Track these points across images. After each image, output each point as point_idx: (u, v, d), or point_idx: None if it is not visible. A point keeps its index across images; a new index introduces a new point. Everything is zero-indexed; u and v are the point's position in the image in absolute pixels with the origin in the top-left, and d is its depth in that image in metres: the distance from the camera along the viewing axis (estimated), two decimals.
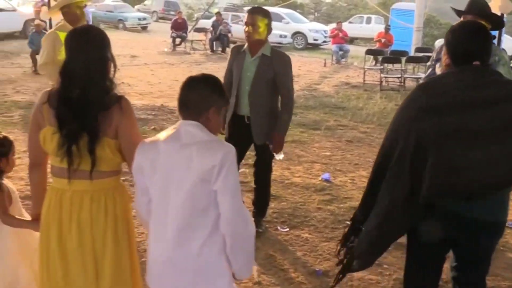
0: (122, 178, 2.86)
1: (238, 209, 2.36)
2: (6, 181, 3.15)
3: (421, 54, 16.07)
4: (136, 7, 38.15)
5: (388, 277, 4.32)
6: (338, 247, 3.11)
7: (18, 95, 11.70)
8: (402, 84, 14.14)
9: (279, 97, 4.69)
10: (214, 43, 21.69)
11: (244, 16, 5.11)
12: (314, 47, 26.44)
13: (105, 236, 2.63)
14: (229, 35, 21.63)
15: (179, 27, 22.30)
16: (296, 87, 13.49)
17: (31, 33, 15.94)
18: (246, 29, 4.48)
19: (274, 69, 4.51)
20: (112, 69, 2.66)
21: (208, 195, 2.33)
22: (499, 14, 5.48)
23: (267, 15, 4.56)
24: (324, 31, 27.40)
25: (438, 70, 4.39)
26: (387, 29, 19.95)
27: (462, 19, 4.17)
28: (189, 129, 2.40)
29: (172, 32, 22.05)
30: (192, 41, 22.03)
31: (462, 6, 4.50)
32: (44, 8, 12.29)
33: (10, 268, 3.10)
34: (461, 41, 2.79)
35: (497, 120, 2.58)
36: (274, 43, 23.28)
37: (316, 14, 52.05)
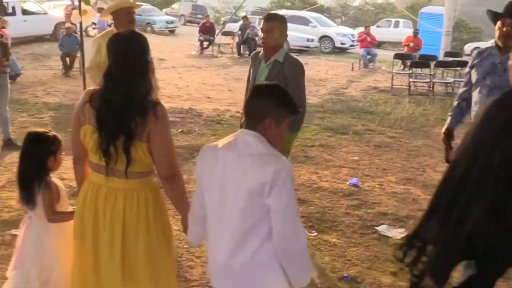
0: None
1: (290, 226, 2.31)
2: (54, 179, 3.25)
3: (450, 59, 15.86)
4: (164, 10, 38.45)
5: None
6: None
7: (49, 97, 11.87)
8: (431, 89, 13.98)
9: None
10: (242, 46, 21.74)
11: None
12: (341, 51, 26.32)
13: (137, 234, 2.72)
14: (256, 38, 21.66)
15: (207, 31, 22.42)
16: (323, 91, 13.73)
17: (62, 36, 16.19)
18: (263, 36, 4.48)
19: (284, 75, 4.43)
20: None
21: (261, 208, 2.31)
22: None
23: (282, 21, 4.54)
24: (352, 35, 27.26)
25: (474, 77, 4.33)
26: (415, 33, 19.76)
27: (499, 23, 4.06)
28: (247, 139, 2.38)
29: (200, 36, 22.20)
30: (219, 44, 22.13)
31: (494, 9, 4.40)
32: (75, 12, 12.46)
33: (48, 265, 3.17)
34: None
35: None
36: (301, 47, 23.58)
37: (343, 18, 51.92)
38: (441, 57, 16.68)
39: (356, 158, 7.76)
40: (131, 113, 2.59)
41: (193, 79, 14.86)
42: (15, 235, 4.72)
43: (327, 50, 26.09)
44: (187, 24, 37.34)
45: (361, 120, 10.41)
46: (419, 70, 15.45)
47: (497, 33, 4.08)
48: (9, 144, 7.62)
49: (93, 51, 5.17)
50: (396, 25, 32.38)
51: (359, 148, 8.33)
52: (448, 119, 4.85)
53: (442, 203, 2.68)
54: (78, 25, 13.08)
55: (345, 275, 4.30)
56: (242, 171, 2.32)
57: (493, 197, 2.50)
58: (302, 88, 4.48)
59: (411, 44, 18.86)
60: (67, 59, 15.30)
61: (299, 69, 4.52)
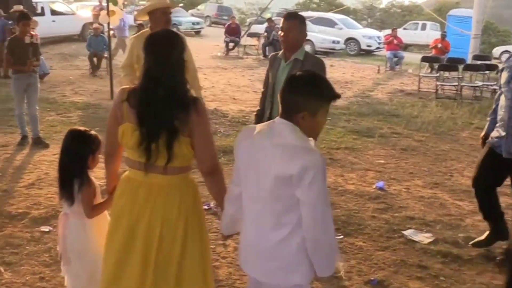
0: None
1: (319, 218, 2.35)
2: (91, 177, 3.27)
3: (478, 62, 15.66)
4: (190, 11, 38.66)
5: None
6: None
7: (76, 96, 12.00)
8: (459, 92, 13.80)
9: None
10: (267, 48, 21.71)
11: None
12: (367, 53, 26.16)
13: (176, 232, 2.73)
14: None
15: (233, 32, 22.48)
16: (349, 93, 13.66)
17: (89, 36, 16.36)
18: (282, 34, 4.46)
19: None
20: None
21: (290, 197, 2.36)
22: None
23: (302, 21, 4.52)
24: (378, 37, 27.09)
25: (501, 81, 4.28)
26: (443, 35, 19.56)
27: None
28: (282, 128, 2.42)
29: (226, 37, 22.26)
30: (245, 46, 22.17)
31: None
32: (103, 12, 12.61)
33: (92, 261, 3.21)
34: None
35: None
36: (326, 49, 23.49)
37: (369, 20, 51.60)
38: (469, 60, 16.47)
39: (382, 161, 7.70)
40: (173, 109, 2.61)
41: (219, 80, 14.90)
42: (44, 232, 4.81)
43: (353, 52, 25.96)
44: (213, 25, 37.49)
45: (387, 123, 10.33)
46: (446, 73, 15.30)
47: None
48: (37, 142, 7.73)
49: (128, 50, 5.27)
50: (423, 27, 32.06)
51: (385, 151, 8.26)
52: (486, 124, 4.80)
53: None
54: (105, 25, 13.25)
55: (372, 278, 4.26)
56: (273, 159, 2.37)
57: None
58: None
59: (439, 45, 18.63)
60: (95, 59, 15.47)
61: (320, 66, 4.49)
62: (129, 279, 2.72)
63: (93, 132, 3.27)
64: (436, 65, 16.14)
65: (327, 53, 22.91)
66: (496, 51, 26.98)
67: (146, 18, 5.14)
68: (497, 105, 4.50)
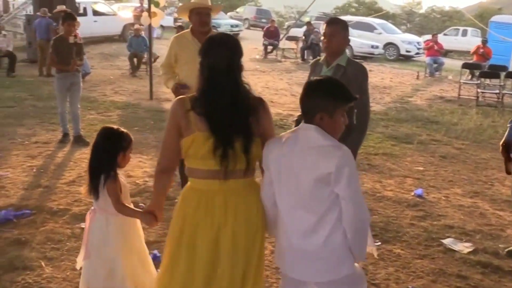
0: None
1: (359, 209, 2.51)
2: (120, 176, 3.32)
3: None
4: (229, 14, 38.85)
5: None
6: None
7: (116, 96, 12.19)
8: (500, 100, 13.55)
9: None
10: (305, 51, 21.69)
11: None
12: (406, 58, 25.85)
13: (256, 234, 2.75)
14: (320, 44, 21.55)
15: (271, 35, 22.50)
16: (387, 99, 13.53)
17: (130, 37, 16.59)
18: (325, 40, 4.42)
19: (348, 79, 4.33)
20: None
21: (330, 195, 2.49)
22: None
23: (345, 26, 4.47)
24: (417, 42, 26.75)
25: None
26: (484, 42, 19.21)
27: None
28: (306, 133, 2.55)
29: (264, 40, 22.30)
30: (283, 49, 22.17)
31: None
32: (145, 14, 12.78)
33: (111, 259, 3.27)
34: None
35: None
36: (365, 53, 23.34)
37: (408, 25, 51.08)
38: (511, 68, 16.15)
39: (421, 168, 7.60)
40: (245, 113, 2.62)
41: (257, 82, 14.93)
42: (84, 229, 4.89)
43: (392, 58, 25.71)
44: (251, 28, 37.58)
45: (426, 130, 10.20)
46: (487, 81, 15.03)
47: None
48: (78, 140, 7.87)
49: (168, 51, 5.31)
50: (464, 33, 31.52)
51: (424, 159, 8.15)
52: (506, 132, 4.74)
53: None
54: (147, 27, 13.41)
55: (410, 287, 4.20)
56: (308, 163, 2.49)
57: None
58: (366, 92, 4.45)
59: (481, 51, 18.29)
60: (135, 59, 15.68)
61: (363, 73, 4.44)
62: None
63: (124, 130, 3.33)
64: (477, 72, 15.89)
65: (365, 58, 22.74)
66: None
67: (186, 16, 5.16)
68: None
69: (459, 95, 14.40)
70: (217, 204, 2.68)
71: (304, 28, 23.18)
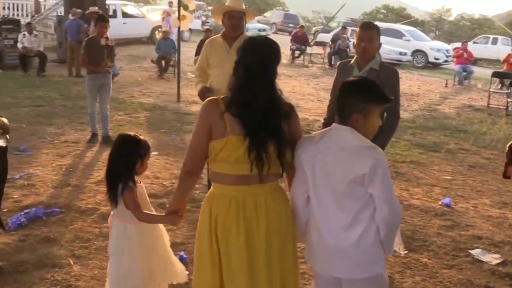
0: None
1: (393, 207, 2.54)
2: (137, 183, 3.24)
3: None
4: (256, 18, 38.90)
5: None
6: None
7: (144, 97, 12.30)
8: None
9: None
10: (333, 57, 21.60)
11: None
12: (434, 66, 25.57)
13: (286, 235, 2.75)
14: (348, 50, 21.49)
15: (299, 40, 22.46)
16: (415, 106, 13.43)
17: (159, 39, 16.71)
18: (363, 45, 4.39)
19: (381, 83, 4.34)
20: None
21: (364, 195, 2.53)
22: None
23: (378, 31, 4.50)
24: (446, 50, 26.44)
25: None
26: None
27: None
28: (341, 133, 2.58)
29: (292, 45, 22.28)
30: (310, 54, 22.13)
31: None
32: (174, 17, 12.88)
33: (125, 266, 3.23)
34: None
35: None
36: (393, 60, 23.18)
37: (437, 32, 50.64)
38: None
39: (449, 177, 7.52)
40: (277, 117, 2.62)
41: (283, 87, 14.59)
42: None
43: (420, 65, 25.45)
44: (278, 32, 37.59)
45: (454, 139, 10.09)
46: None
47: None
48: (107, 140, 7.96)
49: (201, 54, 5.32)
50: (494, 42, 31.14)
51: (452, 168, 8.06)
52: None
53: None
54: (176, 29, 13.51)
55: None
56: (343, 163, 2.53)
57: None
58: (398, 96, 4.49)
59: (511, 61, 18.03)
60: (163, 62, 15.80)
61: (396, 77, 4.48)
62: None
63: (142, 137, 3.25)
64: (507, 81, 15.65)
65: (393, 65, 22.49)
66: None
67: (220, 20, 5.13)
68: None
69: (488, 104, 14.22)
70: (247, 209, 2.66)
71: (332, 33, 23.09)
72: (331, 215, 2.62)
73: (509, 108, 13.53)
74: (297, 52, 22.38)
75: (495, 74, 16.39)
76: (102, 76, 7.93)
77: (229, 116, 2.60)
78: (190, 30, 23.89)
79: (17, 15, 24.89)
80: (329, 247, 2.64)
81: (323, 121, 4.95)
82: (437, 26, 53.12)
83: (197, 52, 15.27)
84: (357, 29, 4.51)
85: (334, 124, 2.65)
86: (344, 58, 20.68)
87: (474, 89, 18.12)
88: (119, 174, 3.13)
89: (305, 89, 15.38)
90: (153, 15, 25.59)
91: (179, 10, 12.38)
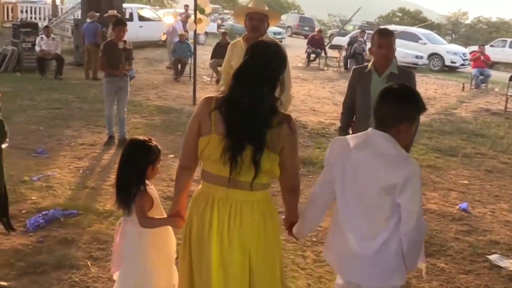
0: None
1: (419, 222, 2.53)
2: (149, 188, 3.22)
3: None
4: None
5: None
6: None
7: (160, 100, 12.36)
8: None
9: None
10: (349, 60, 21.53)
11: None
12: (451, 69, 25.42)
13: (265, 247, 2.69)
14: (364, 53, 21.40)
15: (316, 43, 22.40)
16: (431, 110, 13.35)
17: (175, 43, 16.78)
18: (383, 51, 4.40)
19: None
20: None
21: (392, 204, 2.50)
22: None
23: (394, 35, 4.55)
24: (463, 53, 26.25)
25: None
26: None
27: None
28: (379, 140, 2.54)
29: (308, 48, 22.26)
30: (326, 57, 22.09)
31: None
32: (191, 20, 12.94)
33: (141, 271, 3.22)
34: None
35: None
36: (409, 64, 23.05)
37: (454, 36, 50.31)
38: None
39: (466, 182, 7.46)
40: (260, 122, 2.51)
41: (299, 90, 14.90)
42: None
43: (436, 68, 25.29)
44: (293, 35, 37.59)
45: (471, 143, 10.01)
46: None
47: None
48: (123, 143, 7.92)
49: (225, 56, 5.24)
50: None
51: (469, 172, 8.00)
52: None
53: None
54: (192, 33, 13.56)
55: None
56: (376, 169, 2.50)
57: None
58: None
59: None
60: (179, 65, 15.87)
61: (412, 79, 4.53)
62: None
63: (153, 143, 3.21)
64: None
65: (409, 68, 22.36)
66: None
67: (242, 21, 5.03)
68: None
69: (505, 108, 14.08)
70: (222, 212, 2.63)
71: (348, 37, 23.02)
72: (356, 221, 2.61)
73: None
74: (312, 55, 22.33)
75: None
76: (119, 79, 7.98)
77: (216, 114, 2.60)
78: (206, 33, 23.98)
79: (35, 18, 25.23)
80: (351, 253, 2.64)
81: (339, 124, 4.97)
82: (454, 29, 52.77)
83: (213, 56, 15.34)
84: (375, 36, 4.52)
85: (370, 129, 2.61)
86: (360, 62, 20.72)
87: (491, 93, 17.98)
88: (130, 180, 3.11)
89: (320, 92, 15.36)
90: (169, 18, 25.71)
91: (195, 14, 12.44)
